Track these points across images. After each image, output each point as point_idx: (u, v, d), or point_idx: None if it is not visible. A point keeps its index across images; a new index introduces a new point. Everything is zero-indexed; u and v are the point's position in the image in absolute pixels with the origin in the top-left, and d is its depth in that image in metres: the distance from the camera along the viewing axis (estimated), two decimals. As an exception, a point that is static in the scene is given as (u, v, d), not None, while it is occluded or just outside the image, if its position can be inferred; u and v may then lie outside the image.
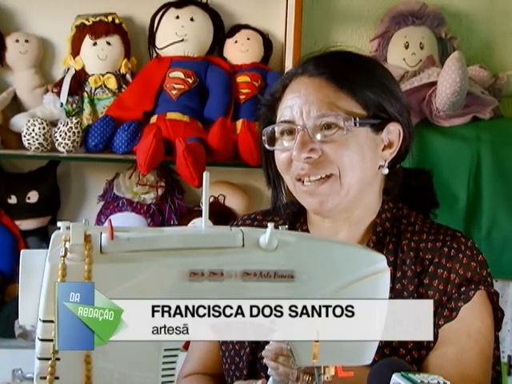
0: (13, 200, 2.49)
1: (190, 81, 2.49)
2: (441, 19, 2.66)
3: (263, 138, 1.36)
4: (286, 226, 1.06)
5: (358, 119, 1.28)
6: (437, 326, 1.29)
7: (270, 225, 1.00)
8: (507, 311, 2.36)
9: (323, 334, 1.01)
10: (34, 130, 2.32)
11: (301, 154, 1.29)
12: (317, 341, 1.01)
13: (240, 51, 2.55)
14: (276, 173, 1.40)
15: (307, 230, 1.42)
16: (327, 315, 1.00)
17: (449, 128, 2.39)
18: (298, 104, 1.31)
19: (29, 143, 2.34)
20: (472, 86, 2.41)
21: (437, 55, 2.60)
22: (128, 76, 2.52)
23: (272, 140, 1.35)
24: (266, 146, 1.36)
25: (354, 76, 1.32)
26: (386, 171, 1.35)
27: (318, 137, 1.29)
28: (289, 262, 1.00)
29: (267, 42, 2.59)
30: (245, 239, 1.00)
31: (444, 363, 1.28)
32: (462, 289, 1.31)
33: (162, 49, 2.54)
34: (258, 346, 1.35)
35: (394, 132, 1.34)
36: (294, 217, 1.43)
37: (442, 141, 2.36)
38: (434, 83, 2.35)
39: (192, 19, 2.53)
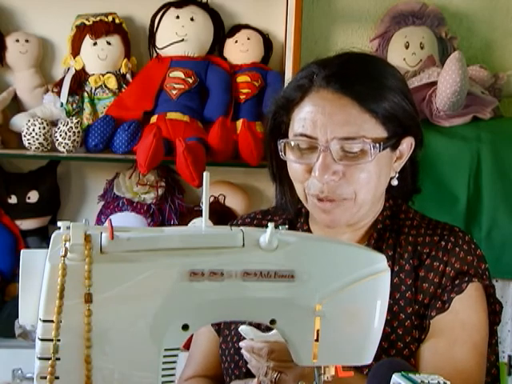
0: (13, 200, 2.49)
1: (190, 81, 2.49)
2: (441, 19, 2.66)
3: (279, 147, 1.33)
4: (286, 226, 1.06)
5: (382, 143, 1.27)
6: (429, 318, 1.30)
7: (271, 225, 1.00)
8: (507, 311, 2.35)
9: (323, 334, 1.01)
10: (34, 130, 2.32)
11: (323, 176, 1.27)
12: (317, 340, 1.01)
13: (240, 51, 2.55)
14: (280, 171, 1.40)
15: (308, 230, 1.42)
16: (327, 315, 1.01)
17: (449, 128, 2.39)
18: (322, 121, 1.27)
19: (29, 143, 2.34)
20: (472, 85, 2.41)
21: (437, 55, 2.60)
22: (128, 76, 2.52)
23: (285, 147, 1.33)
24: (282, 155, 1.33)
25: (377, 96, 1.29)
26: (396, 182, 1.36)
27: (342, 159, 1.27)
28: (289, 261, 1.00)
29: (267, 41, 2.59)
30: (245, 239, 1.00)
31: (436, 355, 1.28)
32: (456, 281, 1.31)
33: (162, 49, 2.54)
34: None
35: (405, 144, 1.35)
36: (295, 216, 1.43)
37: (442, 141, 2.36)
38: (434, 83, 2.35)
39: (192, 19, 2.53)
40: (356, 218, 1.34)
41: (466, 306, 1.30)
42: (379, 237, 1.37)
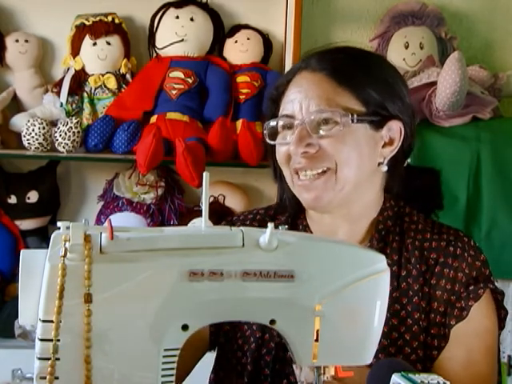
0: (13, 200, 2.49)
1: (190, 81, 2.49)
2: (441, 19, 2.66)
3: (264, 132, 1.37)
4: (286, 226, 1.06)
5: (355, 115, 1.29)
6: (448, 327, 1.30)
7: (270, 225, 1.00)
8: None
9: (323, 334, 1.01)
10: (33, 130, 2.32)
11: (298, 149, 1.30)
12: (316, 341, 1.01)
13: (240, 51, 2.56)
14: (281, 168, 1.41)
15: (307, 226, 1.42)
16: (327, 315, 1.01)
17: (449, 128, 2.39)
18: (299, 99, 1.32)
19: (29, 143, 2.34)
20: (472, 86, 2.41)
21: (437, 55, 2.60)
22: (128, 76, 2.52)
23: (275, 134, 1.36)
24: (268, 140, 1.37)
25: (355, 73, 1.32)
26: (385, 168, 1.35)
27: (316, 132, 1.29)
28: (289, 261, 1.00)
29: (267, 41, 2.59)
30: (245, 239, 1.00)
31: (455, 366, 1.29)
32: (471, 288, 1.31)
33: (161, 49, 2.54)
34: (263, 341, 1.35)
35: (395, 129, 1.34)
36: (296, 213, 1.43)
37: (441, 141, 2.36)
38: (433, 83, 2.35)
39: (192, 19, 2.53)
40: (340, 198, 1.32)
41: (481, 312, 1.31)
42: (381, 238, 1.36)
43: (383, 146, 1.34)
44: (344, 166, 1.29)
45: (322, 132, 1.29)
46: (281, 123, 1.34)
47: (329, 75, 1.31)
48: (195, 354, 1.42)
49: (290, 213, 1.44)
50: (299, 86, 1.33)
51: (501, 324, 1.36)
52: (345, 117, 1.28)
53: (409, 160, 1.44)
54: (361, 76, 1.32)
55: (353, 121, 1.28)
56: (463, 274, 1.32)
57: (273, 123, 1.36)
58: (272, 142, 1.37)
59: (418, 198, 1.46)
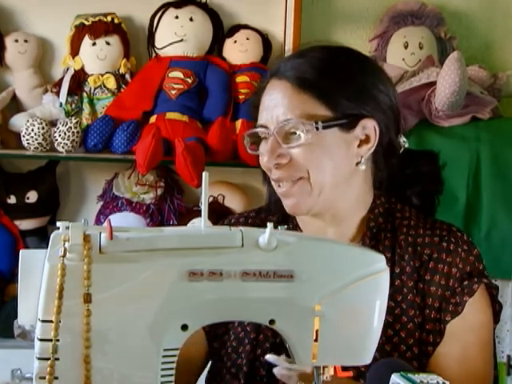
0: (12, 200, 2.49)
1: (190, 81, 2.49)
2: (440, 19, 2.66)
3: (244, 141, 1.37)
4: (286, 226, 1.06)
5: (320, 123, 1.27)
6: (444, 322, 1.30)
7: (270, 225, 1.00)
8: (507, 311, 2.36)
9: (322, 334, 1.01)
10: (33, 130, 2.32)
11: (270, 160, 1.30)
12: (316, 341, 1.01)
13: (239, 51, 2.55)
14: None
15: (298, 227, 1.41)
16: (326, 315, 1.01)
17: (448, 128, 2.39)
18: (270, 107, 1.31)
19: (28, 143, 2.34)
20: (471, 86, 2.41)
21: (436, 55, 2.60)
22: (127, 76, 2.52)
23: (257, 142, 1.35)
24: (248, 150, 1.37)
25: (318, 77, 1.30)
26: (363, 167, 1.33)
27: (286, 142, 1.29)
28: (288, 261, 1.00)
29: (266, 41, 2.59)
30: (244, 239, 1.00)
31: (450, 362, 1.29)
32: (465, 283, 1.31)
33: (161, 49, 2.54)
34: (258, 342, 1.35)
35: (369, 127, 1.32)
36: (285, 214, 1.41)
37: (441, 141, 2.36)
38: (433, 83, 2.35)
39: (191, 19, 2.53)
40: (322, 203, 1.32)
41: (476, 307, 1.31)
42: (373, 236, 1.36)
43: (359, 145, 1.32)
44: (317, 172, 1.29)
45: (290, 143, 1.29)
46: (261, 134, 1.34)
47: (292, 82, 1.30)
48: (197, 369, 1.43)
49: (280, 214, 1.43)
50: (270, 94, 1.33)
51: (495, 318, 1.36)
52: (310, 126, 1.27)
53: (406, 145, 1.43)
54: (325, 80, 1.30)
55: (318, 129, 1.27)
56: (457, 269, 1.31)
57: (250, 133, 1.36)
58: (252, 152, 1.37)
59: (418, 182, 1.45)
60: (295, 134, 1.28)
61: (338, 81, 1.31)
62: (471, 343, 1.30)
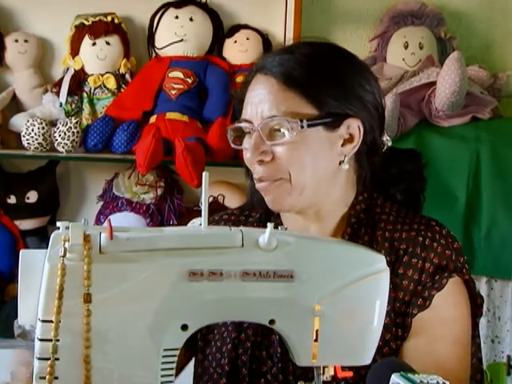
0: (12, 200, 2.49)
1: (190, 81, 2.49)
2: (440, 19, 2.66)
3: (227, 136, 1.36)
4: (286, 226, 1.06)
5: (305, 121, 1.26)
6: (410, 316, 1.29)
7: (270, 225, 1.00)
8: (507, 311, 2.36)
9: (322, 334, 1.01)
10: (33, 130, 2.32)
11: (254, 156, 1.30)
12: (316, 341, 1.01)
13: (239, 51, 2.56)
14: None
15: (281, 223, 1.39)
16: (326, 315, 1.01)
17: (448, 128, 2.39)
18: (255, 103, 1.30)
19: (28, 143, 2.34)
20: (471, 86, 2.41)
21: (436, 55, 2.60)
22: (127, 76, 2.52)
23: (239, 137, 1.35)
24: (232, 144, 1.36)
25: (304, 75, 1.28)
26: (346, 166, 1.32)
27: (270, 138, 1.28)
28: (288, 261, 1.00)
29: (266, 41, 2.59)
30: (244, 239, 1.00)
31: (417, 354, 1.28)
32: (436, 277, 1.30)
33: (161, 49, 2.54)
34: (239, 341, 1.34)
35: (354, 126, 1.31)
36: (268, 211, 1.40)
37: (441, 141, 2.36)
38: (433, 83, 2.35)
39: (191, 19, 2.53)
40: (303, 202, 1.31)
41: (446, 301, 1.30)
42: (353, 232, 1.35)
43: (343, 144, 1.31)
44: (299, 172, 1.28)
45: (274, 140, 1.28)
46: (245, 129, 1.33)
47: (279, 79, 1.28)
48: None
49: (263, 211, 1.42)
50: (255, 89, 1.31)
51: (477, 311, 1.35)
52: (295, 123, 1.26)
53: (389, 143, 1.42)
54: (312, 78, 1.28)
55: (302, 127, 1.26)
56: (431, 263, 1.31)
57: (234, 127, 1.35)
58: (236, 147, 1.36)
59: (402, 180, 1.44)
60: (279, 131, 1.27)
61: (325, 79, 1.29)
62: (441, 337, 1.29)
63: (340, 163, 1.32)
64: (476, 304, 1.35)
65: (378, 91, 1.35)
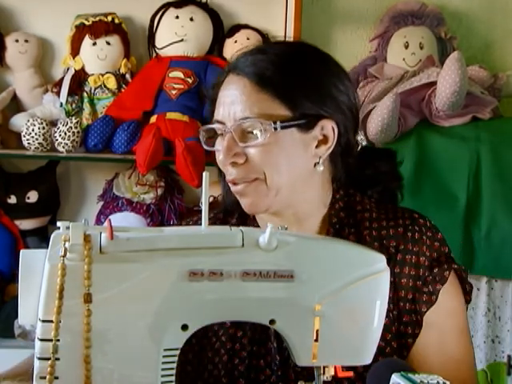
0: (12, 200, 2.49)
1: (190, 81, 2.49)
2: (440, 19, 2.66)
3: (200, 136, 1.34)
4: (286, 226, 1.06)
5: (278, 123, 1.24)
6: (421, 314, 1.30)
7: (270, 225, 1.00)
8: (507, 311, 2.36)
9: (323, 334, 1.01)
10: (33, 130, 2.32)
11: (226, 159, 1.28)
12: (316, 341, 1.01)
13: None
14: None
15: (258, 226, 1.39)
16: (327, 315, 1.01)
17: (448, 128, 2.39)
18: (227, 103, 1.28)
19: (28, 143, 2.34)
20: (472, 86, 2.41)
21: (436, 55, 2.60)
22: (128, 76, 2.52)
23: (211, 137, 1.33)
24: (204, 145, 1.34)
25: (278, 76, 1.26)
26: (321, 168, 1.31)
27: (243, 140, 1.26)
28: (288, 261, 1.00)
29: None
30: (244, 239, 1.00)
31: (430, 351, 1.29)
32: (435, 270, 1.31)
33: (161, 49, 2.54)
34: (234, 352, 1.33)
35: (328, 128, 1.30)
36: (244, 213, 1.39)
37: (441, 141, 2.36)
38: (433, 83, 2.35)
39: (192, 19, 2.54)
40: (279, 203, 1.30)
41: (448, 293, 1.31)
42: (337, 233, 1.34)
43: (317, 146, 1.30)
44: (273, 173, 1.27)
45: (247, 142, 1.26)
46: (218, 130, 1.31)
47: (251, 79, 1.26)
48: None
49: (238, 213, 1.41)
50: (227, 89, 1.29)
51: (466, 298, 1.36)
52: (268, 125, 1.24)
53: (364, 142, 1.42)
54: (285, 79, 1.26)
55: (276, 128, 1.24)
56: (425, 257, 1.31)
57: (206, 128, 1.33)
58: (208, 148, 1.34)
59: (379, 182, 1.44)
60: (252, 133, 1.26)
61: (299, 80, 1.27)
62: (448, 329, 1.30)
63: (315, 165, 1.30)
64: (465, 291, 1.36)
65: (352, 92, 1.34)
